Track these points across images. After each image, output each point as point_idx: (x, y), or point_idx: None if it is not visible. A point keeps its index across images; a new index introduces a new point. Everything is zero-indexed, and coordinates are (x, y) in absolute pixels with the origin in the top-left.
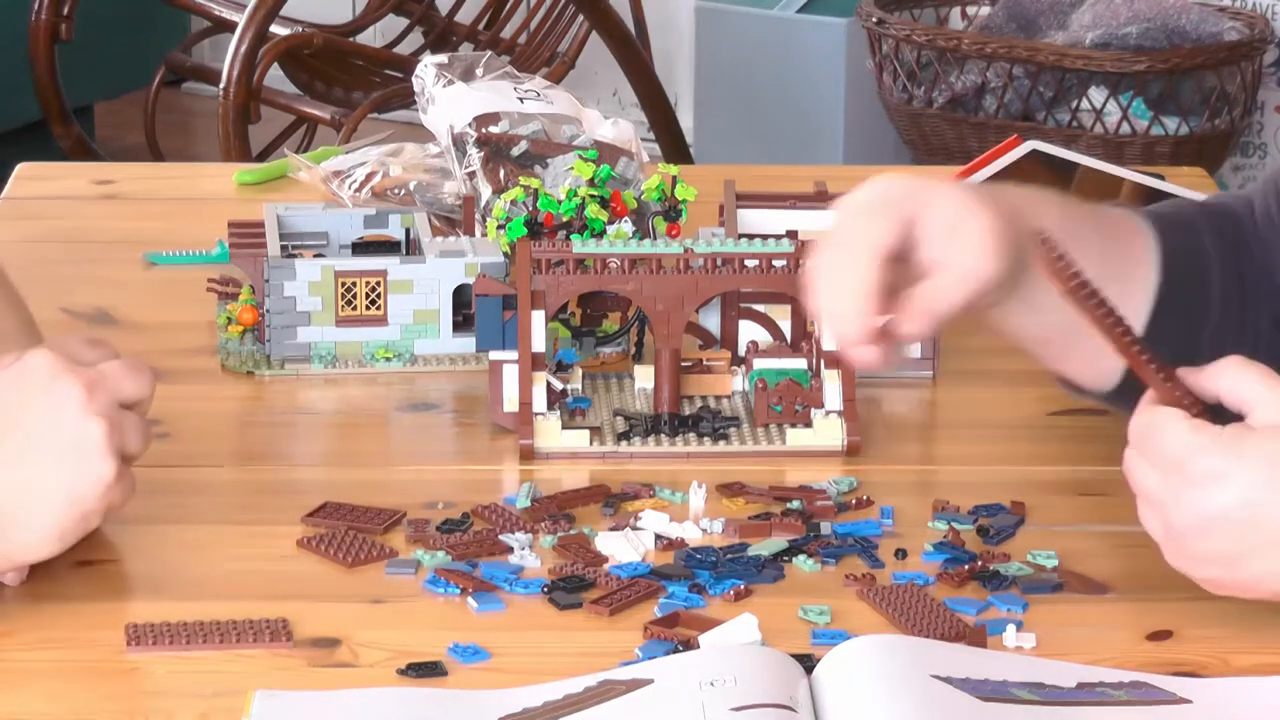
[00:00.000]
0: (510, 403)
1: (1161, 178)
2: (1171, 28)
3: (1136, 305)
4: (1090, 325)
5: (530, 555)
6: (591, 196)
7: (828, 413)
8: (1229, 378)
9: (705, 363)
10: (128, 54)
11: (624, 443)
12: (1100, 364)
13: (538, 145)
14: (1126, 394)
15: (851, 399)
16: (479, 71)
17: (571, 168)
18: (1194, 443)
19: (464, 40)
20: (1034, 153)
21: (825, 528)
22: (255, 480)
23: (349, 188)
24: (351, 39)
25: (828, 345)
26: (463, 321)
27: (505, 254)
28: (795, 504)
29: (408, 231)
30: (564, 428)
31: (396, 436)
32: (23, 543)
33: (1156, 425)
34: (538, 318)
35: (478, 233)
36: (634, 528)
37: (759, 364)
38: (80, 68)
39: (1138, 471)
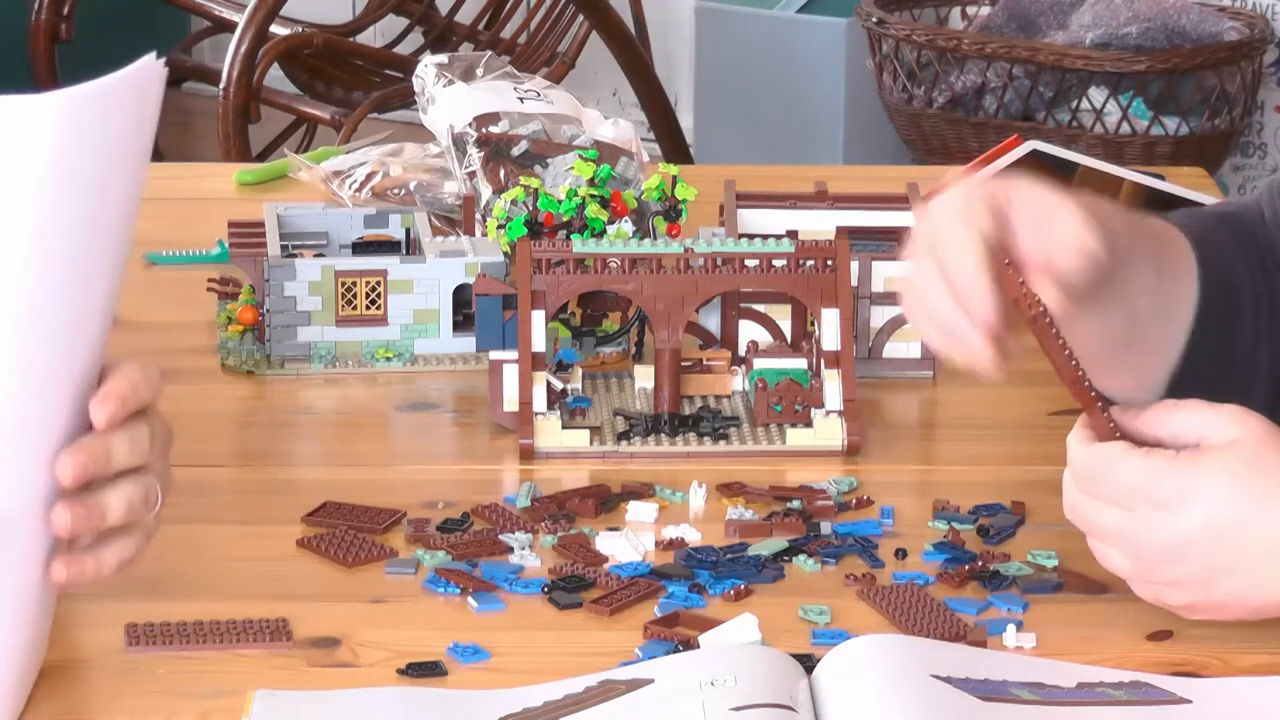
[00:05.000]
0: (510, 402)
1: (1161, 178)
2: (1171, 28)
3: (1181, 321)
4: (1047, 354)
5: (530, 555)
6: (591, 196)
7: (828, 412)
8: (1178, 416)
9: (705, 363)
10: (128, 54)
11: (624, 442)
12: (1144, 379)
13: (538, 145)
14: None
15: (851, 399)
16: (479, 71)
17: (571, 168)
18: (1152, 468)
19: (464, 40)
20: (1034, 153)
21: (825, 528)
22: (255, 480)
23: (349, 188)
24: (351, 39)
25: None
26: (463, 321)
27: (505, 254)
28: (795, 504)
29: (408, 231)
30: (564, 427)
31: (396, 436)
32: None
33: (1108, 459)
34: (538, 317)
35: (478, 233)
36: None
37: (759, 364)
38: (80, 68)
39: (1091, 512)
